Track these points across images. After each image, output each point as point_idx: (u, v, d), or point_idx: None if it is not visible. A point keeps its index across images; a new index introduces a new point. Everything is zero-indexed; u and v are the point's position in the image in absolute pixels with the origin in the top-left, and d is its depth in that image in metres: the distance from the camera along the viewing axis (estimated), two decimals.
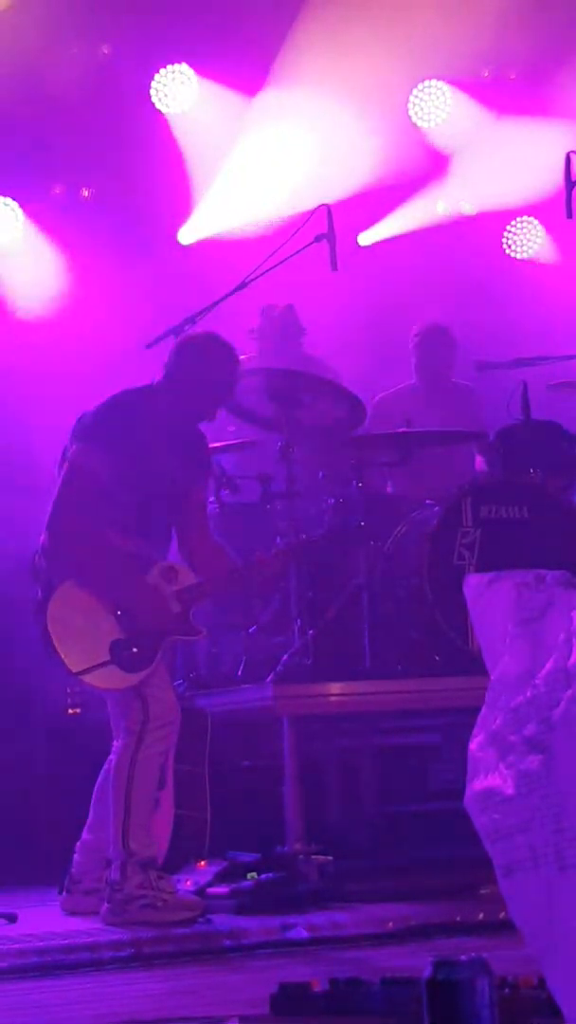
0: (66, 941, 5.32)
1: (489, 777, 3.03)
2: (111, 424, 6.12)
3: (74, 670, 5.99)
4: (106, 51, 9.41)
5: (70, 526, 6.04)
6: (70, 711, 8.03)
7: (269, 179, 9.67)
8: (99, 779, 6.25)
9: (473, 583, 3.21)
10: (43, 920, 5.97)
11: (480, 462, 8.18)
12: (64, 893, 6.29)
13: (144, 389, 6.29)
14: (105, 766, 6.21)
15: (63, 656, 5.99)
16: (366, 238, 9.96)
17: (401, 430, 7.47)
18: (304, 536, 6.76)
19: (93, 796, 6.29)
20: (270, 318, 8.62)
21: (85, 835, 6.28)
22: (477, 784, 3.05)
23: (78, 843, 6.30)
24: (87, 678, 6.00)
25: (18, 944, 5.27)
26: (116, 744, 6.08)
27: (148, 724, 5.97)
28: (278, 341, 8.52)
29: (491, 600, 3.15)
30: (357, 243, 9.89)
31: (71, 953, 5.18)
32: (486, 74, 10.09)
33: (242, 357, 6.63)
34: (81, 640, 5.98)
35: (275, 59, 9.36)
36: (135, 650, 5.96)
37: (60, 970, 5.04)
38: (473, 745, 3.08)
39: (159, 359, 7.99)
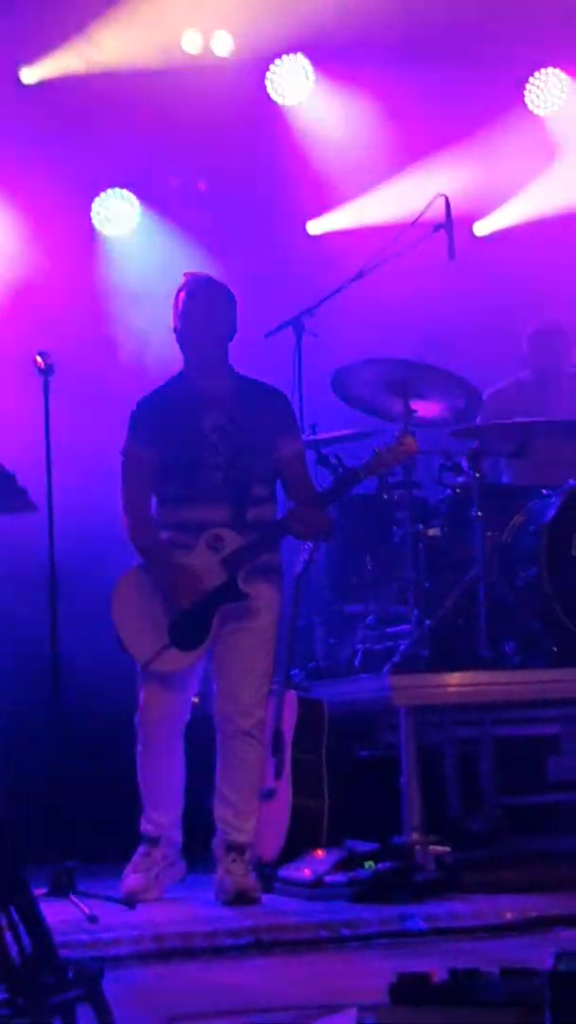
0: (183, 928, 5.35)
1: None
2: (136, 410, 6.38)
3: (141, 663, 6.21)
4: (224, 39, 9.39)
5: (124, 519, 6.31)
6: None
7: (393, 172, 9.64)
8: None
9: None
10: (162, 906, 6.01)
11: None
12: None
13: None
14: None
15: (131, 652, 6.21)
16: (482, 228, 9.89)
17: (518, 420, 7.42)
18: (341, 474, 6.62)
19: None
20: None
21: None
22: None
23: None
24: (154, 666, 6.18)
25: (136, 931, 5.30)
26: None
27: (137, 719, 6.29)
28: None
29: None
30: (473, 234, 9.82)
31: (188, 940, 5.21)
32: None
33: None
34: (143, 630, 6.18)
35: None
36: (187, 630, 6.13)
37: (177, 957, 5.07)
38: None
39: (277, 349, 8.04)
